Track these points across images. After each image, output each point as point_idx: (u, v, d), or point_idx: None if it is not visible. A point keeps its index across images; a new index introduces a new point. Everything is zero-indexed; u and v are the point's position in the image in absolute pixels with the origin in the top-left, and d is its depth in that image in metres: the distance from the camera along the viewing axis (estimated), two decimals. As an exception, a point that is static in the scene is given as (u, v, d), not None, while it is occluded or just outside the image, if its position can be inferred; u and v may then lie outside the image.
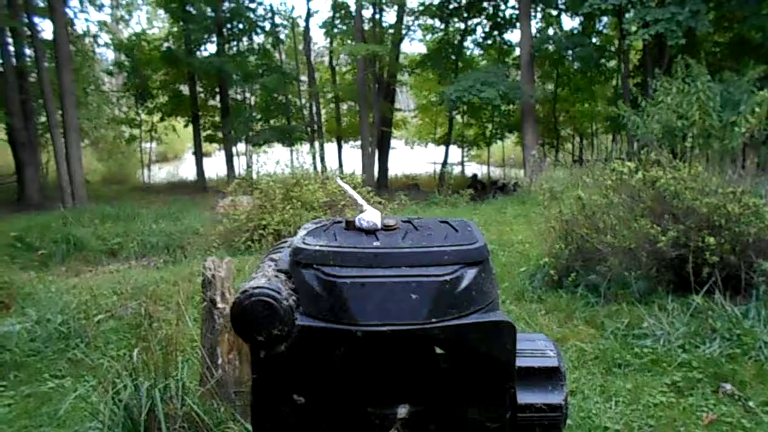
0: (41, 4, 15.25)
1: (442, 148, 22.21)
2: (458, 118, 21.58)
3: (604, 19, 17.96)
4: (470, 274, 0.27)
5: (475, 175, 20.53)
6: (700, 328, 3.88)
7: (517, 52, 18.48)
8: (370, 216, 0.39)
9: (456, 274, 0.26)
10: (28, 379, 3.81)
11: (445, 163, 21.17)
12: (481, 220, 9.74)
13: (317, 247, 0.26)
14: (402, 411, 0.26)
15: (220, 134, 21.23)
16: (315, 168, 12.22)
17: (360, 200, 0.45)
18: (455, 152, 23.56)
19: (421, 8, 20.81)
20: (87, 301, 4.90)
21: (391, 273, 0.25)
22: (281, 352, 0.27)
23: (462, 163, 23.95)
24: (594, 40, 18.31)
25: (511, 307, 4.79)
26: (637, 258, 4.51)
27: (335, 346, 0.26)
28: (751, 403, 3.13)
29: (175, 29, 21.10)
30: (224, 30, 20.35)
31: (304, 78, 22.78)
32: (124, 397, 2.61)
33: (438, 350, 0.27)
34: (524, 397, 0.28)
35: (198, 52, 20.66)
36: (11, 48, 15.35)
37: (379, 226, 0.36)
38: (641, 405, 3.18)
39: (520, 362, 0.29)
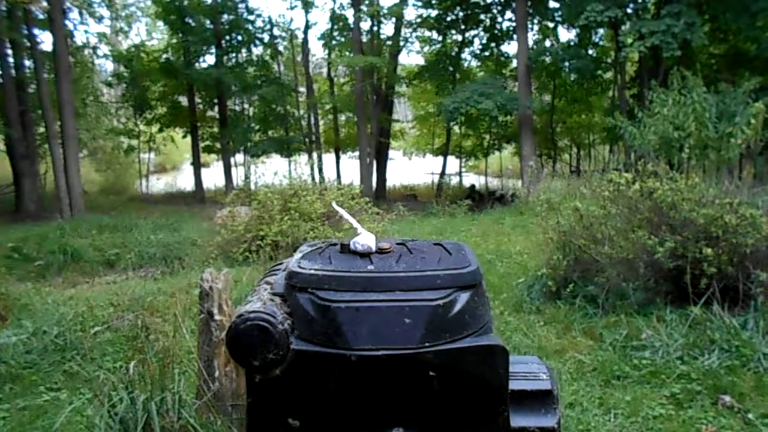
0: (41, 16, 15.32)
1: (440, 158, 22.28)
2: (456, 129, 21.66)
3: (600, 31, 18.09)
4: (463, 298, 0.27)
5: (473, 186, 20.59)
6: (699, 340, 3.88)
7: (515, 63, 18.59)
8: (365, 239, 0.39)
9: (449, 298, 0.26)
10: (23, 391, 3.79)
11: (443, 174, 21.22)
12: (478, 231, 9.74)
13: (312, 271, 0.26)
14: (396, 435, 0.26)
15: (218, 145, 21.27)
16: (313, 179, 12.23)
17: (355, 223, 0.45)
18: (453, 163, 23.63)
19: (418, 20, 20.95)
20: (83, 313, 4.88)
21: (384, 297, 0.25)
22: (276, 375, 0.27)
23: (460, 174, 24.01)
24: (590, 51, 18.44)
25: (509, 319, 4.78)
26: (634, 269, 4.52)
27: (329, 370, 0.26)
28: (750, 416, 3.12)
29: (174, 41, 21.19)
30: (223, 42, 20.45)
31: (302, 89, 22.88)
32: (120, 410, 2.60)
33: (432, 373, 0.27)
34: (517, 420, 0.28)
35: (197, 64, 20.74)
36: (10, 59, 15.40)
37: (374, 249, 0.36)
38: (640, 417, 3.17)
39: (513, 385, 0.29)
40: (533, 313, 4.90)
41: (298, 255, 0.30)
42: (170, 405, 2.63)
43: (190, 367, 3.34)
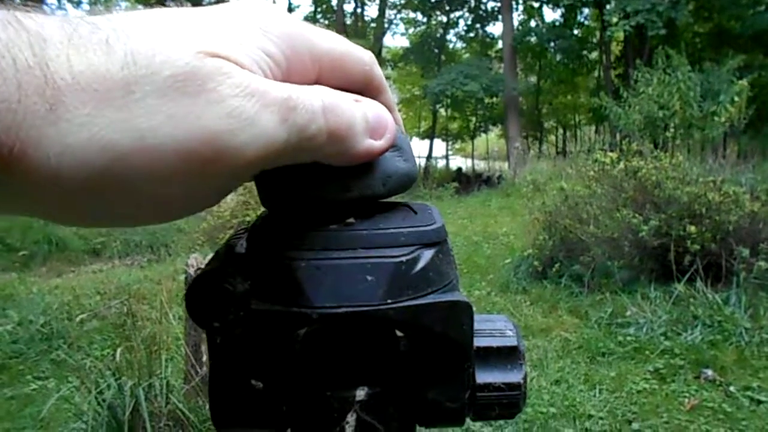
0: (17, 0, 14.99)
1: (426, 141, 22.26)
2: (442, 111, 21.63)
3: (586, 10, 18.07)
4: (427, 255, 0.27)
5: (459, 169, 20.61)
6: (682, 316, 3.94)
7: (500, 44, 18.55)
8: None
9: (412, 255, 0.26)
10: (10, 381, 3.77)
11: (429, 157, 21.22)
12: (465, 213, 9.78)
13: (273, 230, 0.26)
14: (360, 393, 0.26)
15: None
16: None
17: None
18: (439, 146, 23.63)
19: (403, 2, 20.80)
20: (69, 302, 4.85)
21: (346, 255, 0.25)
22: (237, 336, 0.26)
23: (446, 157, 24.03)
24: (575, 31, 18.44)
25: (496, 299, 4.82)
26: (619, 247, 4.56)
27: (291, 329, 0.26)
28: (731, 388, 3.18)
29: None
30: (205, 26, 20.18)
31: (287, 73, 22.68)
32: (108, 397, 2.59)
33: (397, 332, 0.27)
34: (483, 377, 0.28)
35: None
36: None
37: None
38: (624, 392, 3.22)
39: (479, 342, 0.29)
40: (520, 293, 4.93)
41: (260, 215, 0.30)
42: (158, 390, 2.63)
43: (177, 352, 3.34)
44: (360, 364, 0.27)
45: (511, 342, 0.29)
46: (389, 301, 0.26)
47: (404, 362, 0.26)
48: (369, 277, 0.26)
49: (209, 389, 0.27)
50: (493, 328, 0.30)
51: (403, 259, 0.26)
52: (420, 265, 0.26)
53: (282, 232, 0.27)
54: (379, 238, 0.26)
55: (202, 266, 0.28)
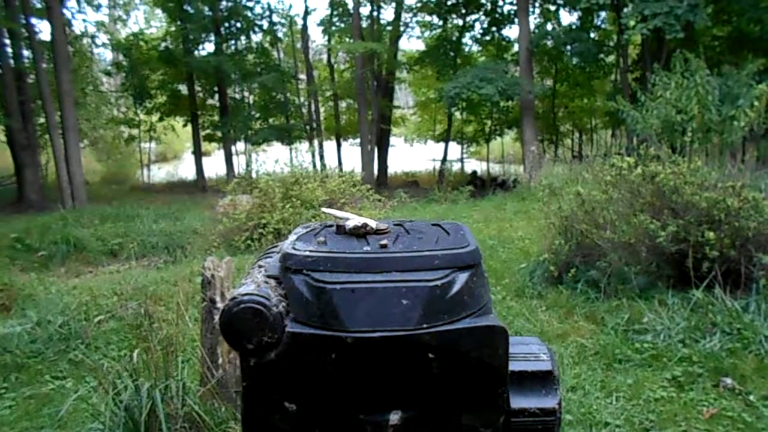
0: (38, 5, 15.21)
1: (442, 145, 22.20)
2: (457, 114, 21.55)
3: (603, 13, 17.92)
4: (462, 278, 0.26)
5: (474, 172, 20.54)
6: (701, 323, 3.88)
7: (516, 48, 18.45)
8: (357, 220, 0.39)
9: (447, 279, 0.26)
10: (29, 380, 3.81)
11: (444, 160, 21.16)
12: (480, 217, 9.74)
13: (307, 253, 0.26)
14: (394, 417, 0.26)
15: (219, 133, 21.19)
16: (314, 166, 12.20)
17: (345, 214, 0.44)
18: (454, 149, 23.56)
19: (419, 5, 20.78)
20: (87, 302, 4.90)
21: (381, 278, 0.25)
22: (271, 359, 0.26)
23: (461, 160, 23.94)
24: (592, 35, 18.27)
25: (511, 304, 4.79)
26: (636, 253, 4.51)
27: (326, 352, 0.26)
28: (751, 397, 3.13)
29: (173, 29, 21.05)
30: (222, 29, 20.31)
31: (302, 76, 22.76)
32: (125, 398, 2.62)
33: (430, 355, 0.27)
34: (517, 402, 0.28)
35: (196, 52, 20.60)
36: (9, 49, 15.32)
37: (371, 225, 0.35)
38: (642, 400, 3.18)
39: (513, 366, 0.28)
40: (535, 298, 4.90)
41: (292, 237, 0.30)
42: (174, 392, 2.65)
43: (193, 354, 3.36)
44: (394, 388, 0.26)
45: (546, 366, 0.29)
46: (425, 325, 0.25)
47: (439, 387, 0.26)
48: (404, 301, 0.25)
49: (242, 411, 0.27)
50: (527, 352, 0.29)
51: (438, 282, 0.26)
52: (455, 288, 0.26)
53: (316, 254, 0.26)
54: (413, 261, 0.26)
55: (236, 291, 0.28)
